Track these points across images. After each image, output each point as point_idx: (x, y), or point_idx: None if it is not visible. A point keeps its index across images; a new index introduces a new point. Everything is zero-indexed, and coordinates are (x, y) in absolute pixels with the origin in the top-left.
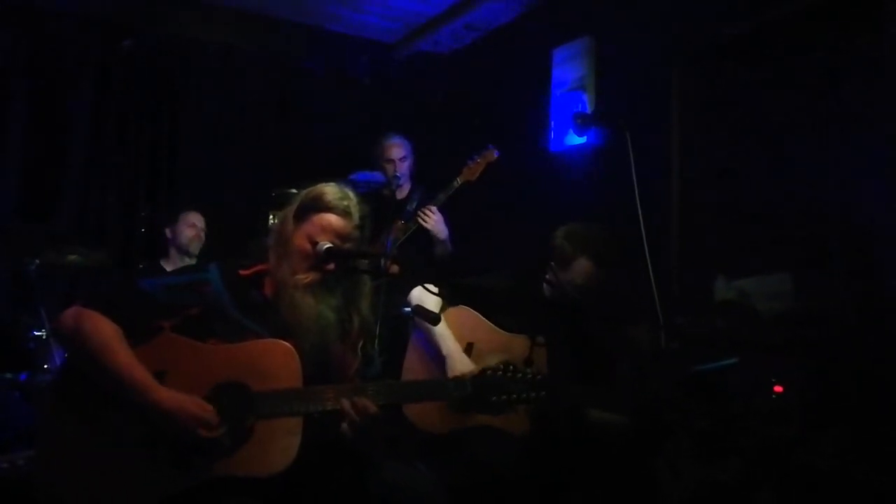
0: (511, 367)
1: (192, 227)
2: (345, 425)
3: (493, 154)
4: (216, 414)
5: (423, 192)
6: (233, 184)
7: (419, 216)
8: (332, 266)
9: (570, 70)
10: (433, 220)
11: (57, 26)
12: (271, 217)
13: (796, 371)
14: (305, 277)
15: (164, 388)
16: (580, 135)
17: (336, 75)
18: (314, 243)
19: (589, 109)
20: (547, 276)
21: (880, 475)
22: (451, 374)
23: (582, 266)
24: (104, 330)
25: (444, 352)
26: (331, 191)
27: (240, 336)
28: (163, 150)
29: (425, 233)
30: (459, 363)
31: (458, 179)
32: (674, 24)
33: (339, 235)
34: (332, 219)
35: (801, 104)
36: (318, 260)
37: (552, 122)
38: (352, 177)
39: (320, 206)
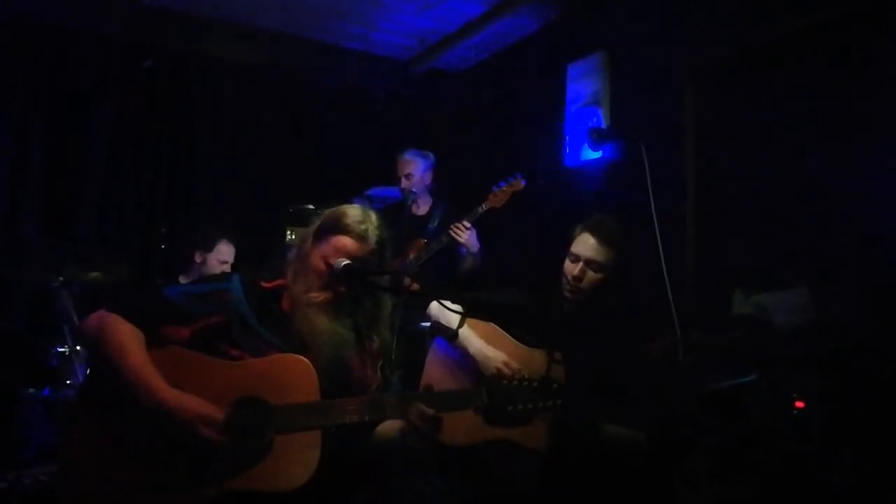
0: (524, 376)
1: (224, 265)
2: (402, 432)
3: (521, 183)
4: (222, 415)
5: (444, 210)
6: (250, 199)
7: (452, 232)
8: (343, 287)
9: (585, 85)
10: (466, 236)
11: (78, 46)
12: (288, 232)
13: (817, 386)
14: (318, 296)
15: (169, 388)
16: (595, 150)
17: (351, 92)
18: (328, 264)
19: (604, 124)
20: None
21: None
22: (486, 371)
23: (583, 239)
24: (124, 332)
25: (472, 352)
26: (352, 213)
27: (258, 346)
28: (181, 168)
29: (447, 251)
30: (493, 358)
31: (484, 206)
32: (687, 39)
33: (352, 258)
34: (346, 241)
35: (816, 117)
36: (332, 279)
37: (567, 138)
38: (367, 192)
39: (338, 227)
